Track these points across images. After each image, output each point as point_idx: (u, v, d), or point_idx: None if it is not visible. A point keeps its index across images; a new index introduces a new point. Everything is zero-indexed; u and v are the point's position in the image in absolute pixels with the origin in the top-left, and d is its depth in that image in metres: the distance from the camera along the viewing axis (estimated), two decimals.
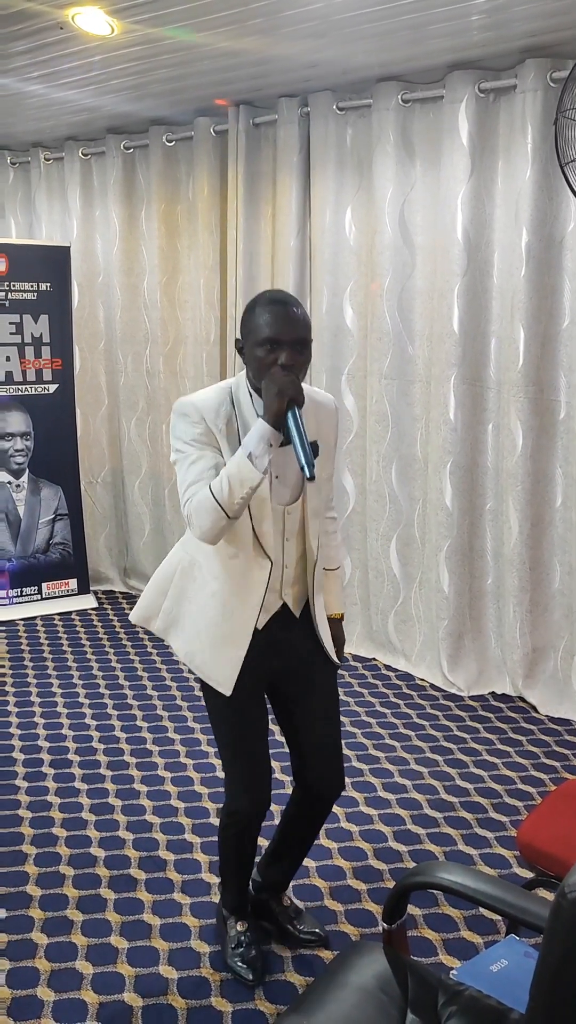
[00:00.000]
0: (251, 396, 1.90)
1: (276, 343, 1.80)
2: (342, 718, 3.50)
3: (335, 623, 2.19)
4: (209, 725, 3.41)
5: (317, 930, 2.30)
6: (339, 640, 2.19)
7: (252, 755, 2.05)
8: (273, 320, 1.81)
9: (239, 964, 2.17)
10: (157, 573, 2.12)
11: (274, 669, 2.05)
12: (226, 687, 1.95)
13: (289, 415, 1.76)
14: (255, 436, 1.77)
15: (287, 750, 2.16)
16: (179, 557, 2.07)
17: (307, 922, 2.32)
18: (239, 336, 1.91)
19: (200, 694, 2.14)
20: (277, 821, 2.32)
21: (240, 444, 1.82)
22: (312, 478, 1.74)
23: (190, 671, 2.08)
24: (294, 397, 1.76)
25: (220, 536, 1.84)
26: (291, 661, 2.06)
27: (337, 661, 2.13)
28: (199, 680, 2.06)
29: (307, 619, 2.08)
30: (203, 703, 2.12)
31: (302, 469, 1.73)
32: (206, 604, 1.98)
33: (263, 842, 2.30)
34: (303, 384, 1.85)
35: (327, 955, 2.24)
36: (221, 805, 2.23)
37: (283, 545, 1.98)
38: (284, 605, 2.03)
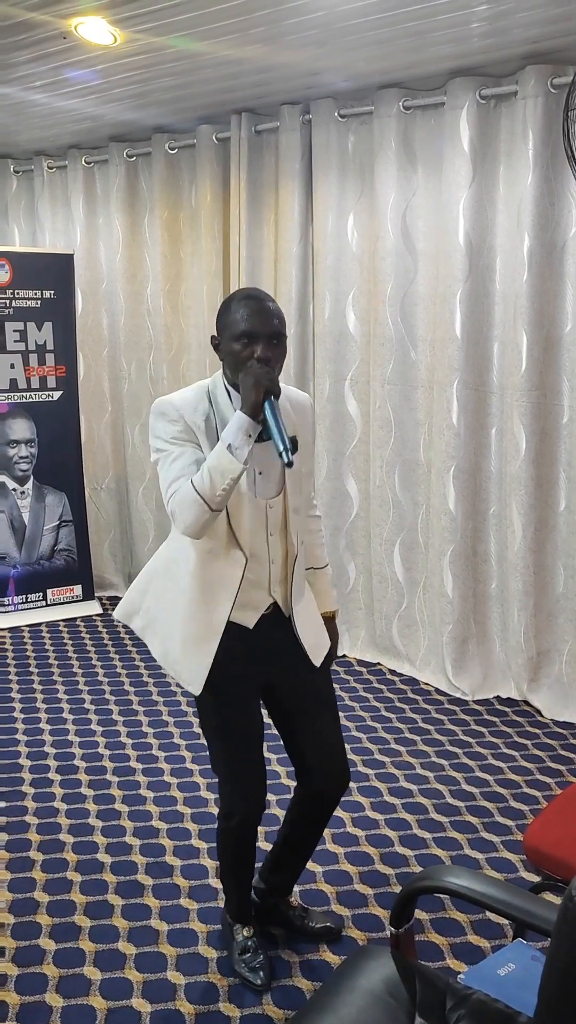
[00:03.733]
0: (228, 393, 1.94)
1: (252, 336, 1.85)
2: (347, 723, 3.52)
3: (329, 621, 2.20)
4: None
5: (328, 924, 2.32)
6: (333, 638, 2.19)
7: (245, 761, 2.05)
8: (248, 315, 1.86)
9: (246, 969, 2.17)
10: (142, 572, 2.14)
11: (269, 672, 2.06)
12: (195, 686, 1.96)
13: (266, 405, 1.80)
14: (234, 427, 1.80)
15: (286, 752, 2.16)
16: (164, 557, 2.09)
17: (317, 918, 2.34)
18: (215, 334, 1.96)
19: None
20: (277, 827, 2.32)
21: (219, 440, 1.84)
22: (291, 464, 1.76)
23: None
24: (270, 387, 1.80)
25: (204, 530, 1.86)
26: (284, 661, 2.06)
27: (316, 665, 2.09)
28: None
29: (290, 617, 2.08)
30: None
31: (280, 455, 1.76)
32: (178, 604, 1.99)
33: (265, 846, 2.30)
34: (280, 383, 1.88)
35: (334, 960, 2.24)
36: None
37: (267, 540, 1.99)
38: (275, 604, 2.04)
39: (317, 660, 2.10)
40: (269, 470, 1.97)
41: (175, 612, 2.00)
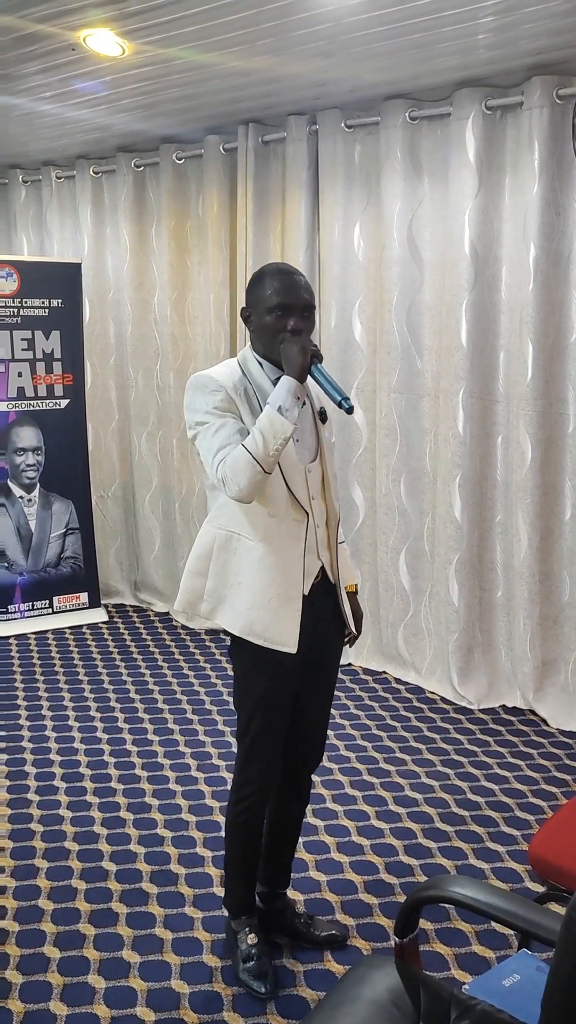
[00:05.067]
0: (260, 365, 2.02)
1: (285, 309, 1.95)
2: (352, 731, 3.53)
3: (351, 596, 2.23)
4: (223, 738, 3.44)
5: (334, 931, 2.33)
6: (357, 614, 2.24)
7: (278, 734, 2.10)
8: (281, 288, 1.96)
9: (250, 977, 2.17)
10: (192, 558, 2.12)
11: (311, 642, 2.07)
12: (291, 645, 1.99)
13: (313, 368, 1.91)
14: (283, 390, 1.89)
15: None
16: (212, 535, 2.08)
17: (322, 926, 2.34)
18: (245, 306, 2.04)
19: (231, 674, 2.15)
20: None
21: (260, 409, 1.93)
22: (351, 409, 1.88)
23: (225, 654, 2.08)
24: (316, 352, 1.92)
25: (255, 493, 1.91)
26: (320, 631, 2.10)
27: (355, 631, 2.19)
28: (234, 651, 2.08)
29: (333, 591, 2.14)
30: (234, 711, 2.14)
31: (340, 405, 1.88)
32: (256, 569, 2.00)
33: None
34: None
35: (339, 969, 2.24)
36: (226, 803, 2.23)
37: (310, 504, 2.05)
38: (322, 569, 2.09)
39: (358, 628, 2.20)
40: (304, 436, 2.06)
41: (254, 581, 2.00)
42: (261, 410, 1.93)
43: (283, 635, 1.99)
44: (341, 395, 1.89)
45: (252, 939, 2.22)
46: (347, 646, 2.24)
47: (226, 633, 2.09)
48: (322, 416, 2.10)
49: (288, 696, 2.10)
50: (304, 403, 1.96)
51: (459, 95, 3.46)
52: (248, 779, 2.13)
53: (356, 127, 3.84)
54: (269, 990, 2.15)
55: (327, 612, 2.12)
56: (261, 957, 2.20)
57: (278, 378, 1.97)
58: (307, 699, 2.16)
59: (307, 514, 2.03)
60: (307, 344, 1.92)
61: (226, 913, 2.32)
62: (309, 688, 2.15)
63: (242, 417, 1.96)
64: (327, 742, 2.32)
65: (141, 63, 3.23)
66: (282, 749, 2.14)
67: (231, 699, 2.22)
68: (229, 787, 3.06)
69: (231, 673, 2.15)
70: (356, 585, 2.27)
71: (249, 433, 1.90)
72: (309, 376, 1.93)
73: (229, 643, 2.13)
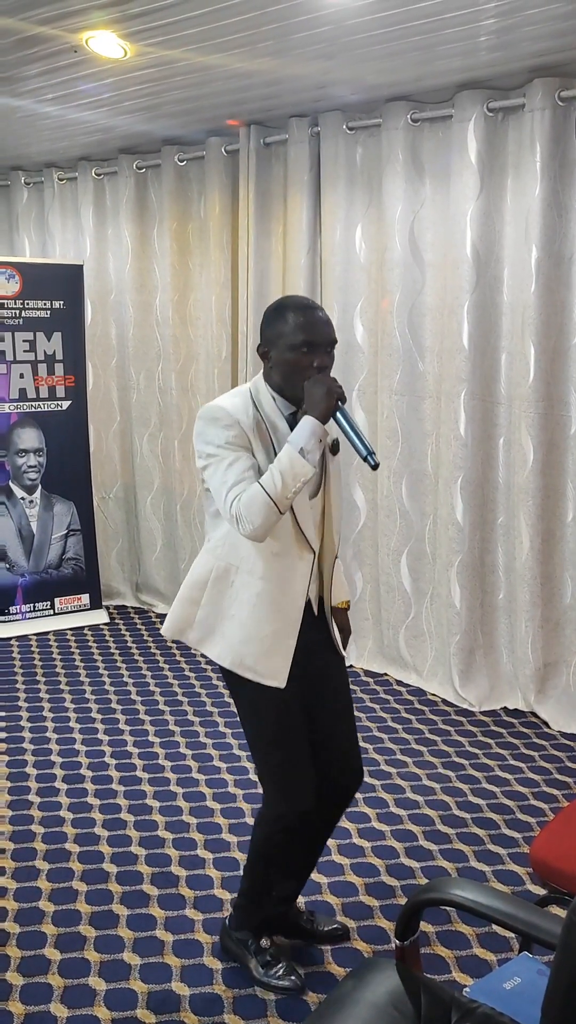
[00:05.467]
0: (273, 399, 1.98)
1: (311, 346, 1.91)
2: None
3: (341, 613, 2.22)
4: (225, 740, 3.43)
5: (336, 925, 2.34)
6: (346, 631, 2.23)
7: (301, 765, 2.05)
8: (307, 324, 1.91)
9: (281, 978, 2.16)
10: (186, 584, 2.10)
11: (306, 671, 2.06)
12: (280, 679, 1.97)
13: (338, 412, 1.89)
14: (306, 432, 1.86)
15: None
16: (210, 566, 2.06)
17: (324, 920, 2.35)
18: (262, 342, 1.99)
19: (231, 701, 2.14)
20: None
21: (271, 444, 1.91)
22: (377, 466, 1.87)
23: (221, 679, 2.06)
24: (341, 395, 1.89)
25: (269, 532, 1.89)
26: (311, 659, 2.08)
27: (343, 653, 2.18)
28: (234, 689, 2.07)
29: (321, 614, 2.13)
30: (235, 713, 2.14)
31: (366, 460, 1.86)
32: (253, 604, 1.99)
33: None
34: None
35: (340, 972, 2.23)
36: (254, 819, 2.21)
37: (319, 539, 2.05)
38: (308, 601, 2.07)
39: (344, 645, 2.20)
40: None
41: (250, 617, 1.99)
42: (272, 445, 1.91)
43: (273, 670, 1.98)
44: (368, 449, 1.86)
45: (265, 942, 2.21)
46: (344, 653, 2.22)
47: (220, 670, 2.09)
48: (333, 448, 2.05)
49: (301, 723, 2.06)
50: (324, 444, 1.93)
51: (461, 97, 3.46)
52: (282, 813, 2.07)
53: (358, 129, 3.84)
54: (299, 982, 2.15)
55: (316, 632, 2.10)
56: (278, 956, 2.20)
57: (292, 413, 1.96)
58: (322, 715, 2.13)
59: (313, 553, 2.02)
60: (333, 385, 1.88)
61: (225, 922, 2.31)
62: (323, 705, 2.12)
63: (254, 452, 1.92)
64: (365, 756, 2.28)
65: (143, 65, 3.23)
66: (311, 775, 2.06)
67: (233, 706, 2.20)
68: (230, 789, 3.07)
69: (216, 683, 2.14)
70: (348, 602, 2.25)
71: (260, 469, 1.88)
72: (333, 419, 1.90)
73: (226, 683, 2.12)
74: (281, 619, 1.99)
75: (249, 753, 2.28)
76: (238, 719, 2.17)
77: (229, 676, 2.06)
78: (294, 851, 2.16)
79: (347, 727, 2.19)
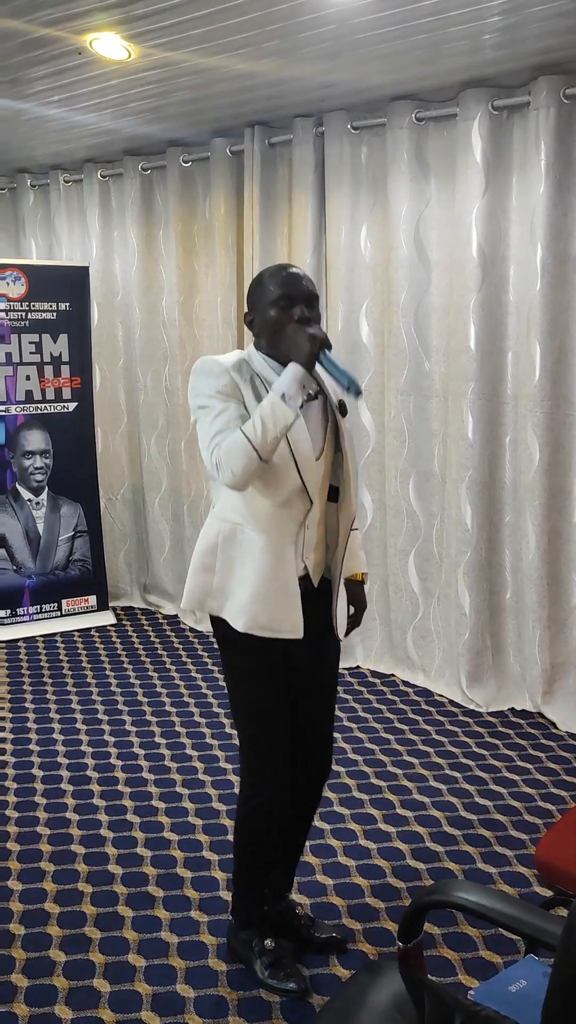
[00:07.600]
0: (265, 362, 1.98)
1: (289, 298, 1.93)
2: (360, 734, 3.51)
3: (358, 585, 2.19)
4: (231, 742, 3.43)
5: (334, 934, 2.31)
6: (361, 605, 2.20)
7: (280, 743, 2.05)
8: (283, 280, 1.95)
9: (284, 981, 2.15)
10: (197, 553, 2.06)
11: (297, 648, 2.02)
12: (297, 631, 1.95)
13: (321, 355, 1.86)
14: (288, 378, 1.84)
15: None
16: (216, 528, 2.03)
17: (323, 929, 2.33)
18: (247, 312, 2.01)
19: (224, 685, 2.12)
20: None
21: (264, 398, 1.87)
22: (360, 393, 1.84)
23: (223, 651, 2.02)
24: (325, 340, 1.86)
25: (250, 481, 1.86)
26: (305, 635, 2.00)
27: (342, 637, 2.12)
28: (229, 666, 2.07)
29: (325, 592, 2.07)
30: (228, 701, 2.12)
31: (347, 389, 1.83)
32: (257, 560, 1.95)
33: None
34: None
35: (344, 974, 2.22)
36: (236, 805, 2.21)
37: (319, 495, 2.00)
38: (306, 574, 2.01)
39: (358, 620, 2.19)
40: (310, 429, 1.98)
41: (256, 573, 1.95)
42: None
43: (287, 624, 1.95)
44: (348, 378, 1.83)
45: (270, 943, 2.20)
46: (343, 637, 2.14)
47: (217, 637, 2.07)
48: (342, 409, 2.03)
49: (285, 702, 2.05)
50: (311, 394, 1.87)
51: (465, 96, 3.45)
52: (254, 792, 2.08)
53: (362, 128, 3.83)
54: (305, 983, 2.14)
55: (315, 611, 2.03)
56: (284, 958, 2.19)
57: None
58: (308, 707, 2.12)
59: (311, 502, 1.96)
60: (317, 331, 1.86)
61: (232, 922, 2.30)
62: (308, 696, 2.12)
63: (246, 404, 1.90)
64: (335, 745, 2.30)
65: (147, 67, 3.23)
66: (288, 760, 2.08)
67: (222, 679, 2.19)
68: (236, 791, 3.06)
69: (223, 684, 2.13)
70: (364, 574, 2.22)
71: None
72: (318, 365, 1.87)
73: (220, 650, 2.10)
74: (285, 572, 1.95)
75: None
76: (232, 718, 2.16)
77: (224, 645, 2.05)
78: (273, 840, 2.15)
79: (329, 711, 2.19)
